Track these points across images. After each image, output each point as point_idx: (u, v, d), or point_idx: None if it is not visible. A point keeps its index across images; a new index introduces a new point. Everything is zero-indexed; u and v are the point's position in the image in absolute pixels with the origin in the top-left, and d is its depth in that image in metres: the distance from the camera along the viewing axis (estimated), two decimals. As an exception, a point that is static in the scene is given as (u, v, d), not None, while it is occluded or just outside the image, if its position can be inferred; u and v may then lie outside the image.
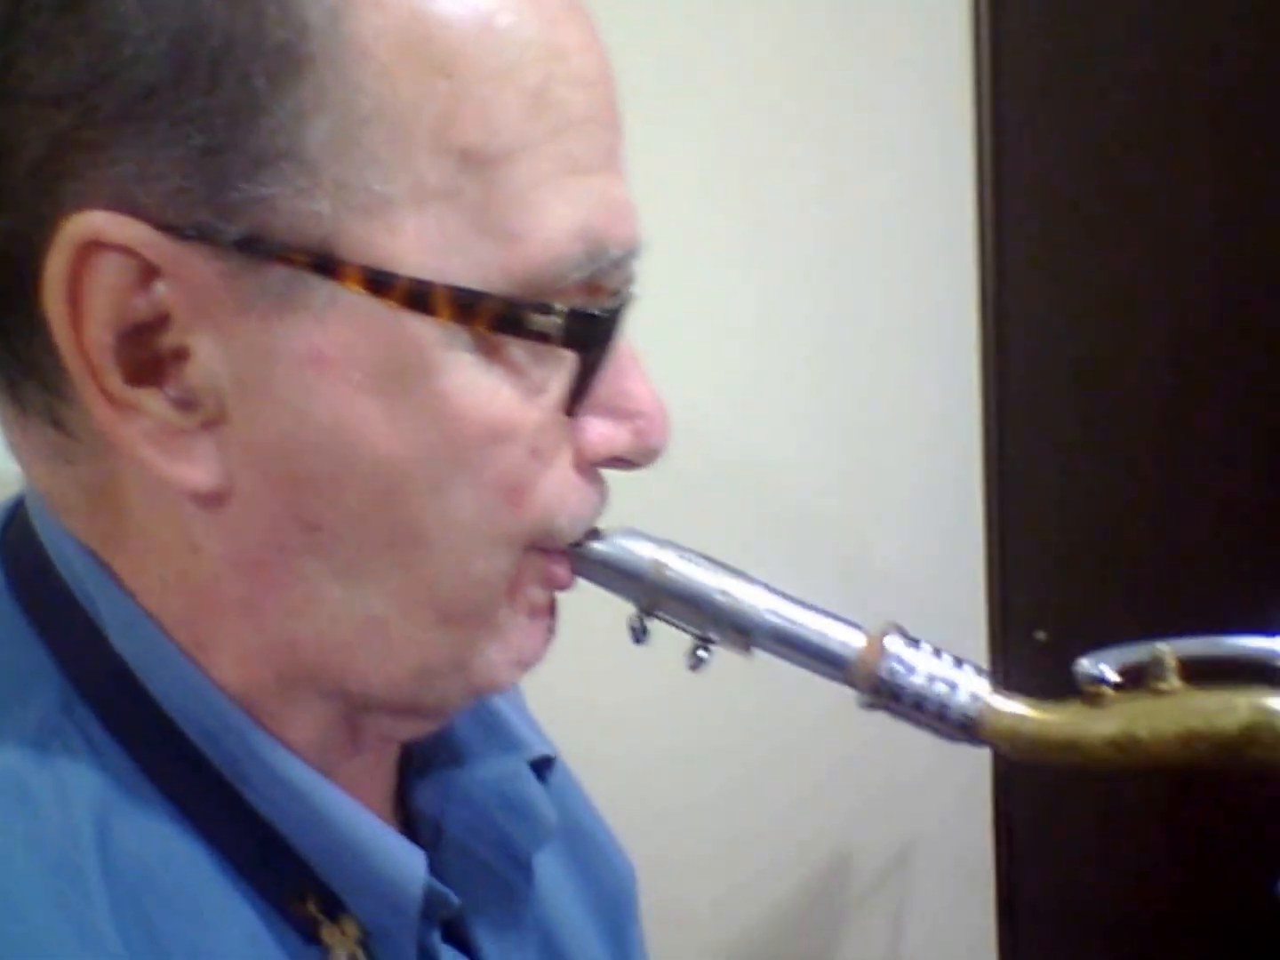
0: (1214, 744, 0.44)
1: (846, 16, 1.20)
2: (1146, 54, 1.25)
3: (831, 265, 1.23)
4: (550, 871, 0.62)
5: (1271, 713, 0.43)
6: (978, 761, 1.40)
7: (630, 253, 0.43)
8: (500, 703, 0.58)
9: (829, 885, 1.34)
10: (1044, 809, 1.40)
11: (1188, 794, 1.30)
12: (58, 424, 0.43)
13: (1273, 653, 0.45)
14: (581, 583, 0.48)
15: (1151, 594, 1.28)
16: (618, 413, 0.45)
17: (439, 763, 0.55)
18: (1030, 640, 1.34)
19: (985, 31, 1.25)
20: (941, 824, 1.40)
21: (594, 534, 0.47)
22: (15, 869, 0.41)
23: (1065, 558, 1.33)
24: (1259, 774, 0.44)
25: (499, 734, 0.57)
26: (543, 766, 0.57)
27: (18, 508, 0.49)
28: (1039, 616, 1.32)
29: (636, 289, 0.45)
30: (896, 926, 1.41)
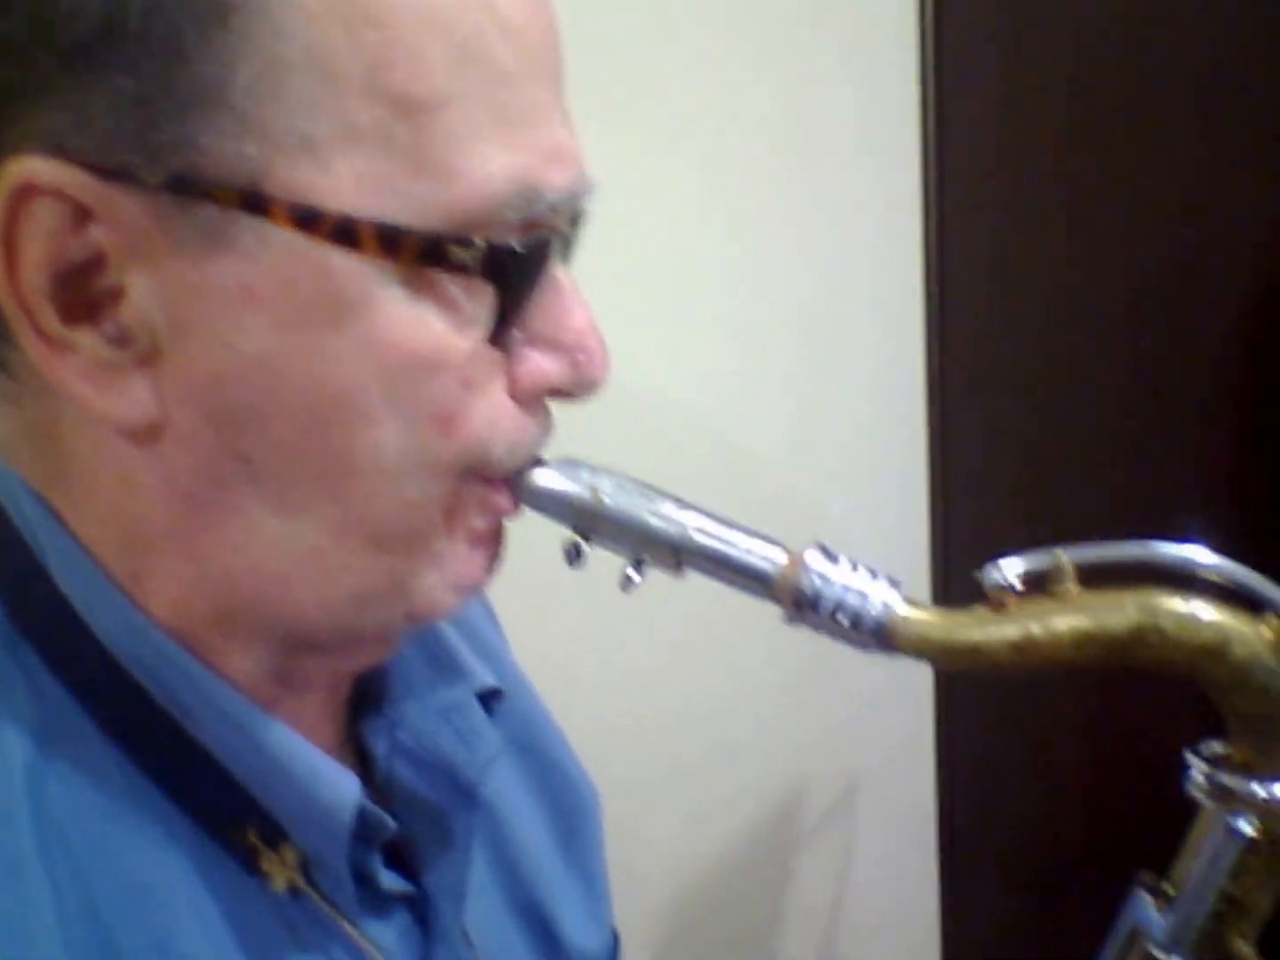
0: (1104, 644, 0.47)
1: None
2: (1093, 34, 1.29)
3: (779, 236, 1.26)
4: (510, 795, 0.65)
5: (1157, 612, 0.47)
6: (920, 700, 1.44)
7: (571, 196, 0.45)
8: (451, 635, 0.60)
9: (777, 821, 1.38)
10: (985, 746, 1.45)
11: (1131, 741, 1.35)
12: (2, 366, 0.45)
13: (1161, 555, 0.48)
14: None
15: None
16: (557, 346, 0.47)
17: (389, 698, 0.57)
18: (969, 586, 1.38)
19: (930, 27, 1.28)
20: (886, 761, 1.44)
21: (536, 463, 0.50)
22: (17, 787, 0.44)
23: (1007, 523, 1.37)
24: (1159, 672, 0.48)
25: (447, 667, 0.59)
26: (490, 698, 0.59)
27: None
28: (980, 557, 1.36)
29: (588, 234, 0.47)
30: (843, 861, 1.45)
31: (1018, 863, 1.45)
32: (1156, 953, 0.48)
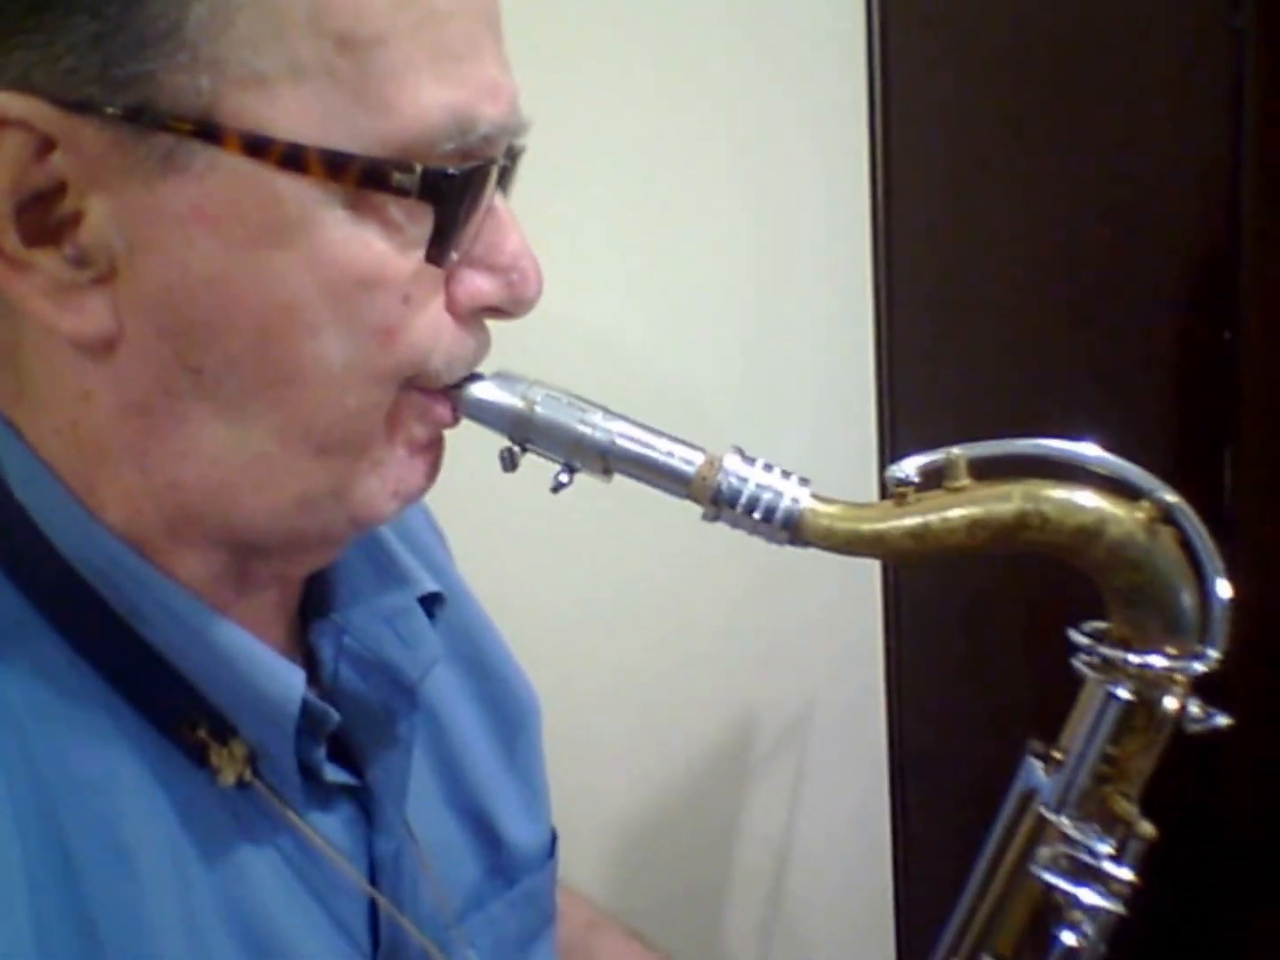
0: (993, 529, 0.51)
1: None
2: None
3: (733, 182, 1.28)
4: (452, 702, 0.68)
5: (1039, 499, 0.51)
6: (870, 622, 1.48)
7: (504, 129, 0.48)
8: (394, 543, 0.63)
9: (732, 739, 1.41)
10: (935, 667, 1.49)
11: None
12: None
13: (1050, 450, 0.52)
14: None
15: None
16: (494, 268, 0.51)
17: (336, 603, 0.60)
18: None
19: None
20: (838, 682, 1.48)
21: (473, 377, 0.53)
22: None
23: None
24: (1044, 556, 0.52)
25: (390, 573, 0.62)
26: (431, 602, 0.62)
27: None
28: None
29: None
30: (796, 779, 1.48)
31: (968, 782, 1.50)
32: (1046, 813, 0.53)
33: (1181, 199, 1.29)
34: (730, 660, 1.36)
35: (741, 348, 1.31)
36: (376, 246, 0.47)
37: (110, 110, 0.43)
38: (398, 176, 0.45)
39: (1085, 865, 0.52)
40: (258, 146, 0.44)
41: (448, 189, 0.47)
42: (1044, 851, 0.53)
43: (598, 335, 1.17)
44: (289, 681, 0.52)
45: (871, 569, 1.44)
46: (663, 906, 1.08)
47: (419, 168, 0.46)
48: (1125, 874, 0.51)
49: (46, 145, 0.44)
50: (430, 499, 0.58)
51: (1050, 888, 0.52)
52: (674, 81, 1.22)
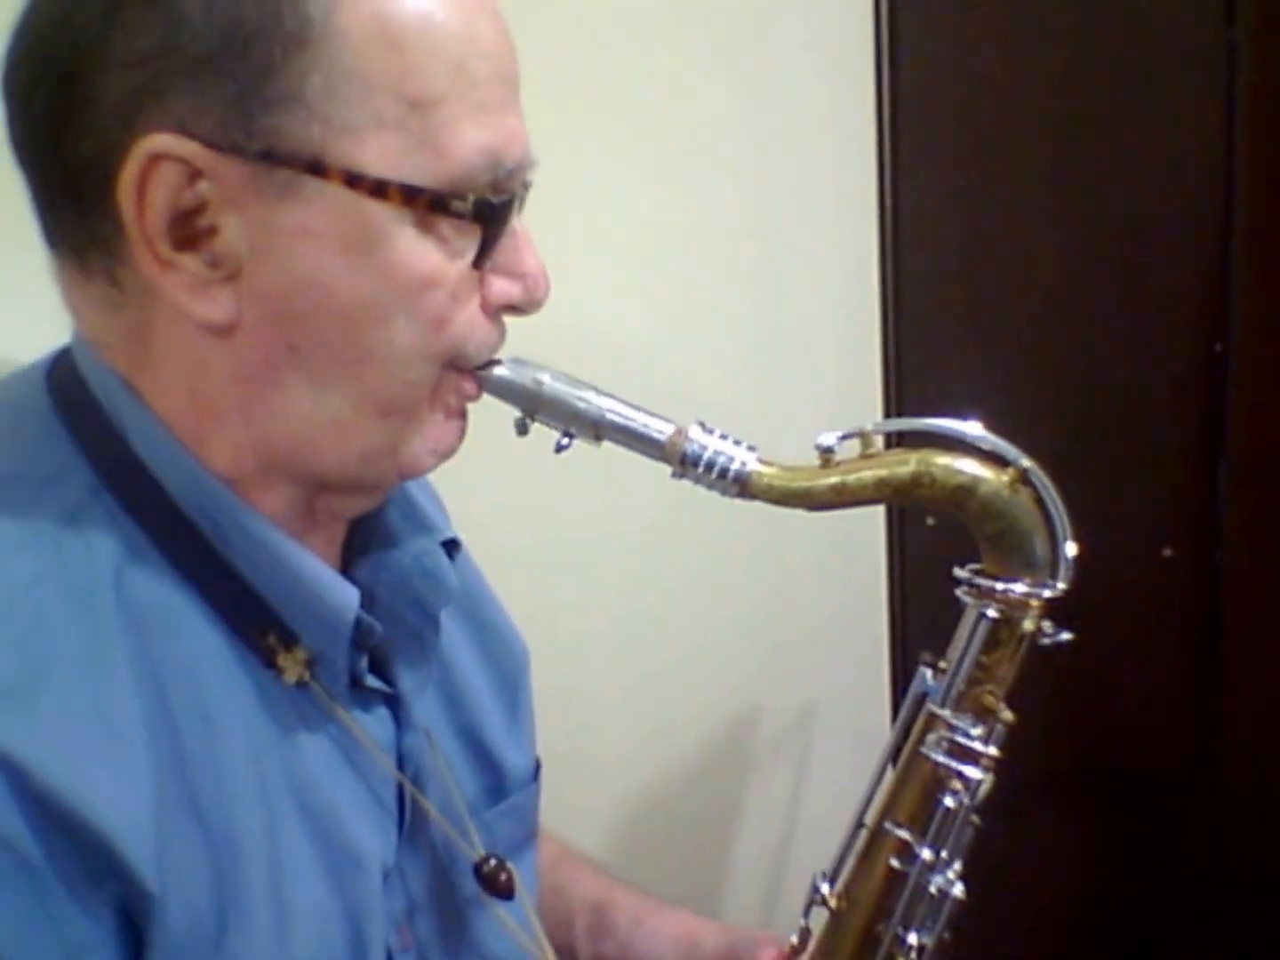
0: (894, 486, 0.66)
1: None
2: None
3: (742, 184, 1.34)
4: (456, 646, 0.82)
5: (930, 464, 0.66)
6: (877, 626, 1.59)
7: (520, 166, 0.64)
8: (420, 497, 0.78)
9: (731, 743, 1.46)
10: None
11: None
12: (113, 282, 0.62)
13: (939, 427, 0.68)
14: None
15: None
16: (514, 274, 0.66)
17: (373, 544, 0.74)
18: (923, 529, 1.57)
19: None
20: (842, 685, 1.52)
21: (494, 362, 0.69)
22: (49, 603, 0.60)
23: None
24: (934, 510, 0.67)
25: (418, 521, 0.77)
26: (450, 547, 0.77)
27: (62, 354, 0.68)
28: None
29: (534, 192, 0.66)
30: (796, 786, 1.52)
31: None
32: (934, 709, 0.68)
33: (1176, 217, 1.39)
34: (739, 661, 1.44)
35: (744, 354, 1.37)
36: (434, 256, 0.62)
37: (247, 152, 0.58)
38: (456, 204, 0.61)
39: (962, 746, 0.67)
40: (353, 180, 0.60)
41: (490, 213, 0.63)
42: (931, 738, 0.68)
43: (599, 330, 1.23)
44: (348, 595, 0.67)
45: (878, 573, 1.56)
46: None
47: (471, 197, 0.62)
48: (992, 751, 0.66)
49: (196, 175, 0.59)
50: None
51: (937, 765, 0.67)
52: (681, 80, 1.28)
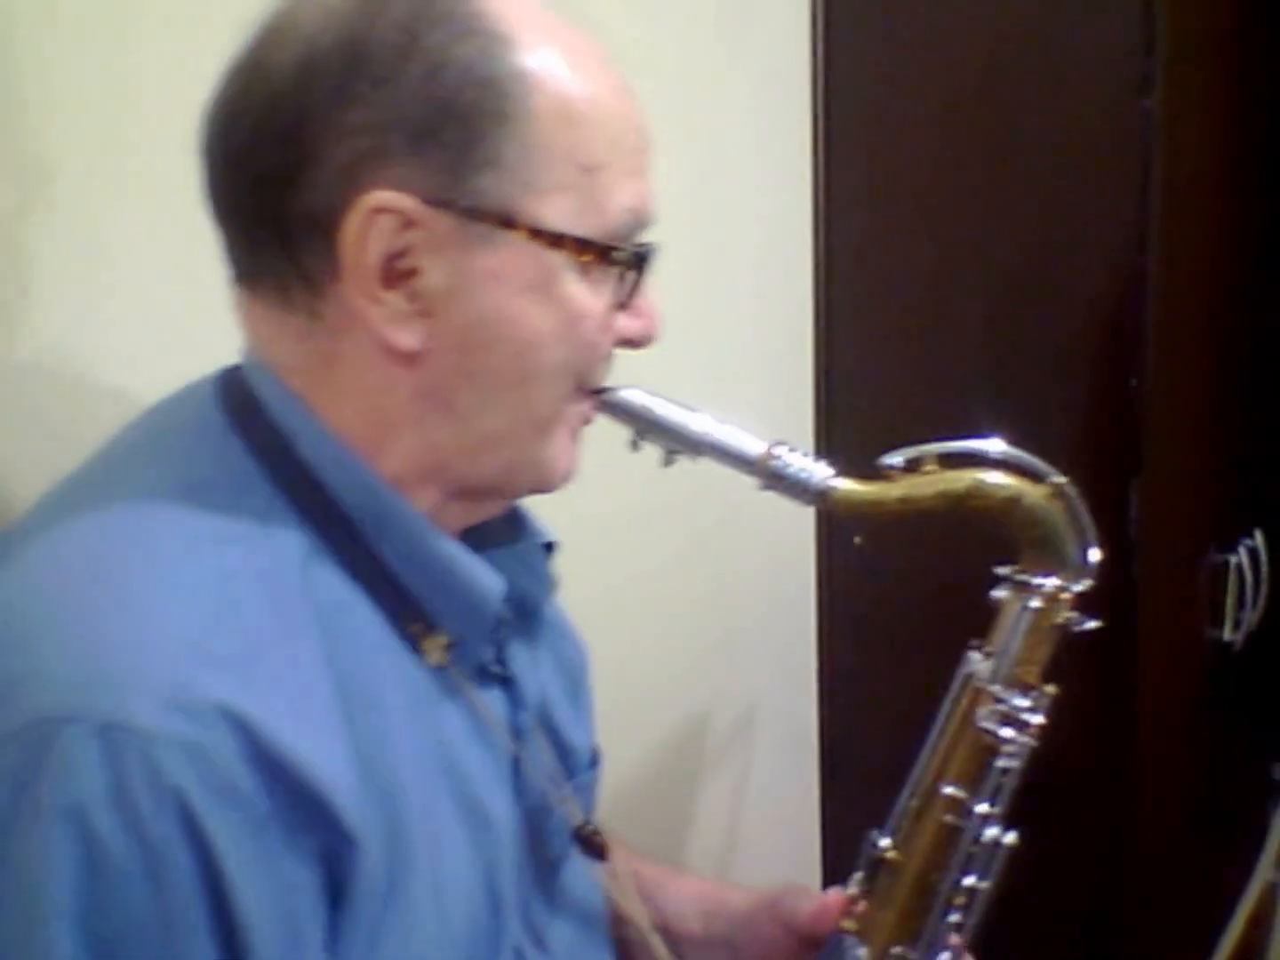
0: (952, 498, 0.79)
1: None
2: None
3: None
4: None
5: (982, 479, 0.79)
6: (805, 631, 1.74)
7: (650, 222, 0.76)
8: (523, 508, 0.89)
9: (668, 744, 1.58)
10: (860, 670, 1.76)
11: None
12: (313, 315, 0.72)
13: (984, 451, 0.81)
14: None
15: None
16: (638, 314, 0.78)
17: (483, 546, 0.83)
18: (849, 544, 1.72)
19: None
20: (771, 690, 1.69)
21: (607, 388, 0.80)
22: (253, 591, 0.69)
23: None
24: (983, 518, 0.80)
25: (524, 526, 0.88)
26: (549, 548, 0.89)
27: (228, 375, 0.78)
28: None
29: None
30: (736, 787, 1.67)
31: (890, 772, 1.75)
32: (983, 686, 0.81)
33: (1094, 263, 1.56)
34: (682, 661, 1.56)
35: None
36: (589, 295, 0.74)
37: (454, 208, 0.70)
38: (616, 254, 0.73)
39: (1010, 716, 0.80)
40: (536, 233, 0.71)
41: (641, 261, 0.75)
42: (982, 710, 0.80)
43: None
44: (495, 586, 0.78)
45: (808, 585, 1.72)
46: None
47: (628, 248, 0.74)
48: (1038, 719, 0.80)
49: (408, 225, 0.70)
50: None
51: (988, 732, 0.80)
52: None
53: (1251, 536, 1.74)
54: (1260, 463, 1.86)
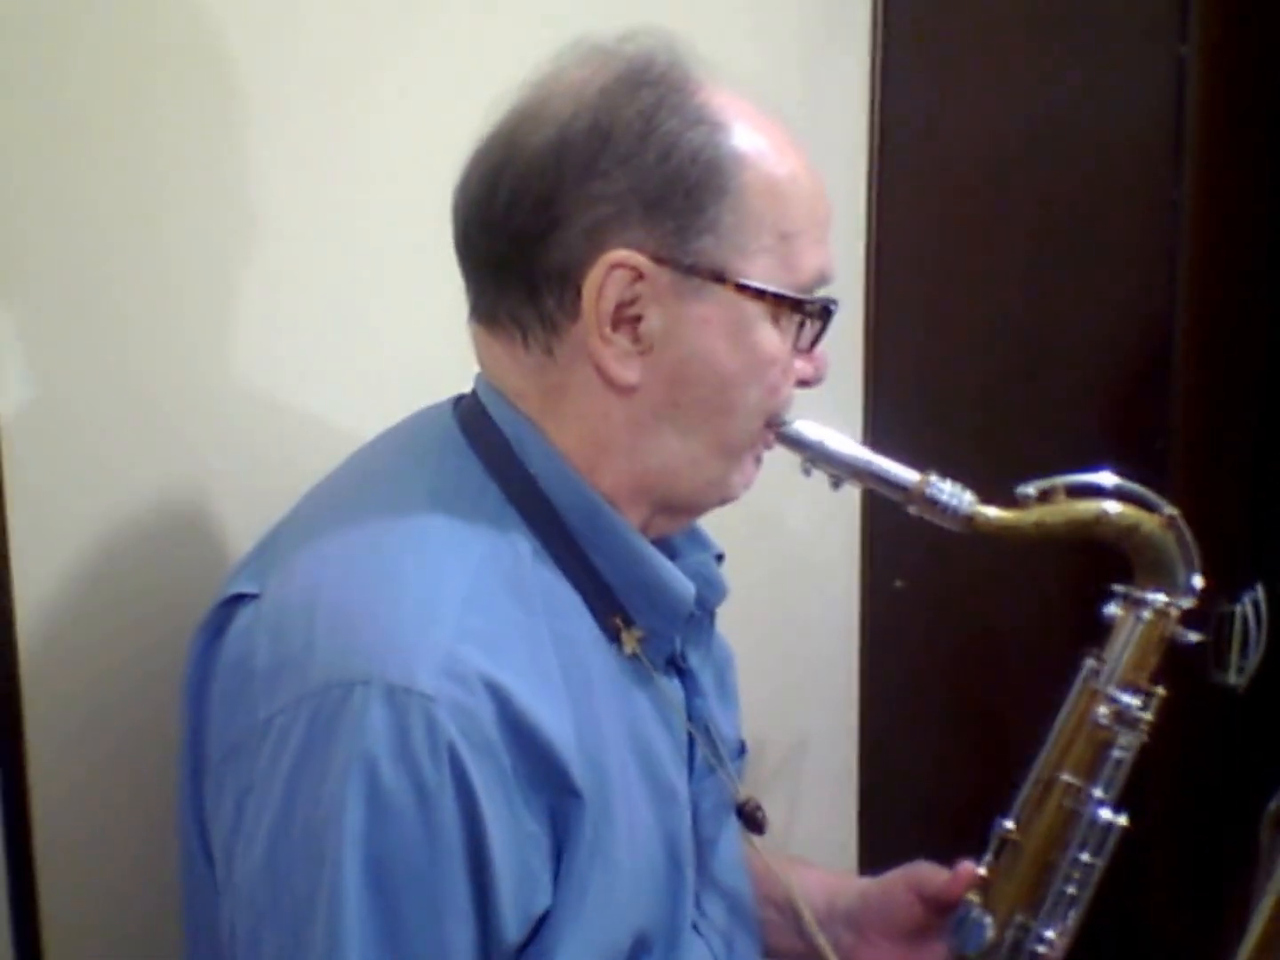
0: (1079, 524, 0.93)
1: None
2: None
3: None
4: None
5: (1105, 508, 0.93)
6: (849, 674, 1.86)
7: (831, 280, 0.90)
8: (697, 523, 1.01)
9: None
10: (900, 718, 1.87)
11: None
12: (548, 352, 0.86)
13: (1111, 484, 0.94)
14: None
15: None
16: (811, 360, 0.91)
17: (671, 554, 0.96)
18: (891, 587, 1.86)
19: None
20: (821, 725, 1.82)
21: (785, 421, 0.93)
22: (496, 579, 0.82)
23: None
24: (1104, 542, 0.93)
25: (699, 539, 1.01)
26: (720, 559, 1.02)
27: (466, 400, 0.91)
28: (898, 565, 1.84)
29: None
30: (787, 814, 1.79)
31: (927, 812, 1.86)
32: (1099, 687, 0.94)
33: (1123, 332, 1.71)
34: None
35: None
36: (778, 341, 0.87)
37: (678, 265, 0.83)
38: (808, 307, 0.86)
39: (1124, 714, 0.93)
40: (742, 288, 0.84)
41: (823, 313, 0.88)
42: (1099, 709, 0.94)
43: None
44: (689, 588, 0.90)
45: (851, 627, 1.83)
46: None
47: (818, 300, 0.87)
48: (1147, 716, 0.93)
49: (638, 278, 0.83)
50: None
51: (1105, 727, 0.93)
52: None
53: (1254, 588, 1.90)
54: (1263, 521, 2.02)
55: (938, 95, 1.80)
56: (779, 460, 0.94)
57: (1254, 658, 1.88)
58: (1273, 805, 1.96)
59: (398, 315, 1.19)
